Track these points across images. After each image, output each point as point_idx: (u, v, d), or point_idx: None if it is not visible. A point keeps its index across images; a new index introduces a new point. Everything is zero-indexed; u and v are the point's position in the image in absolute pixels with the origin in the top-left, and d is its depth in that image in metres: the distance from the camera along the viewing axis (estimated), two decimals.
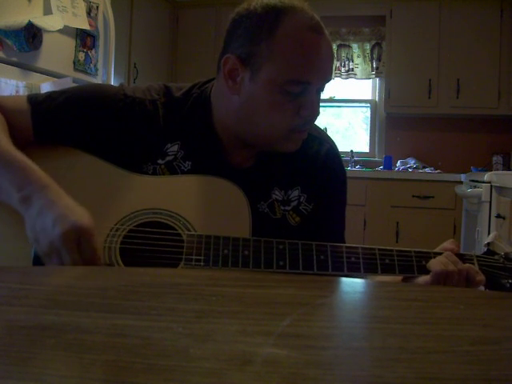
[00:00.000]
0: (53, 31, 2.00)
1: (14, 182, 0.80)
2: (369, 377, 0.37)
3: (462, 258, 0.85)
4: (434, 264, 0.83)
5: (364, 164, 4.18)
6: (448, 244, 0.88)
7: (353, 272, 0.82)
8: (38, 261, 0.83)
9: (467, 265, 0.84)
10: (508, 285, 0.83)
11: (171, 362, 0.38)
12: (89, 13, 2.27)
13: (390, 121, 4.23)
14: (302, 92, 0.84)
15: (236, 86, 0.87)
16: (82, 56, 2.28)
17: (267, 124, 0.87)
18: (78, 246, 0.75)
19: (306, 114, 0.86)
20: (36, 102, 0.92)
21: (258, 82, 0.85)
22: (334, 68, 4.13)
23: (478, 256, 0.87)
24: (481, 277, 0.83)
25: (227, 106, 0.91)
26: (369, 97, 4.40)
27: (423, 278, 0.83)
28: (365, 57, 4.21)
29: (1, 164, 0.83)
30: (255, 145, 0.93)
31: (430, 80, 3.83)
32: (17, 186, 0.80)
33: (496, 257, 0.86)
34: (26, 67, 1.97)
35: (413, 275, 0.84)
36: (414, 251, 0.85)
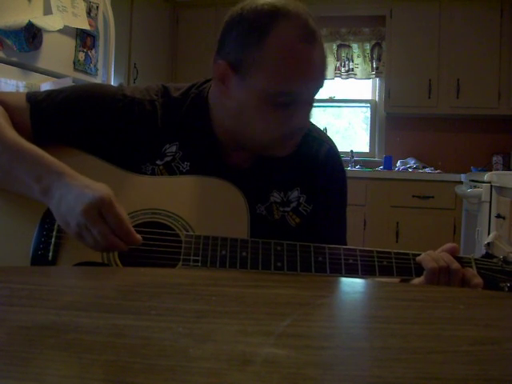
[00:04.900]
0: (53, 31, 1.99)
1: (31, 172, 0.81)
2: (369, 377, 0.37)
3: (460, 261, 0.85)
4: (427, 261, 0.82)
5: (364, 164, 4.17)
6: (447, 246, 0.87)
7: (351, 274, 0.82)
8: (37, 261, 0.83)
9: (465, 268, 0.84)
10: (506, 288, 0.83)
11: (171, 362, 0.38)
12: (89, 13, 2.27)
13: (389, 121, 4.23)
14: (293, 102, 0.83)
15: (227, 91, 0.86)
16: (82, 56, 2.28)
17: (258, 130, 0.87)
18: (102, 218, 0.75)
19: (296, 123, 0.85)
20: (35, 100, 0.92)
21: (247, 89, 0.84)
22: (333, 68, 4.14)
23: (476, 259, 0.86)
24: (478, 280, 0.82)
25: (222, 107, 0.91)
26: (369, 97, 4.40)
27: (418, 280, 0.83)
28: (365, 57, 4.21)
29: (13, 155, 0.83)
30: (250, 148, 0.92)
31: (429, 80, 3.83)
32: (35, 177, 0.80)
33: (494, 260, 0.86)
34: (26, 67, 1.97)
35: (410, 277, 0.84)
36: (412, 253, 0.84)
